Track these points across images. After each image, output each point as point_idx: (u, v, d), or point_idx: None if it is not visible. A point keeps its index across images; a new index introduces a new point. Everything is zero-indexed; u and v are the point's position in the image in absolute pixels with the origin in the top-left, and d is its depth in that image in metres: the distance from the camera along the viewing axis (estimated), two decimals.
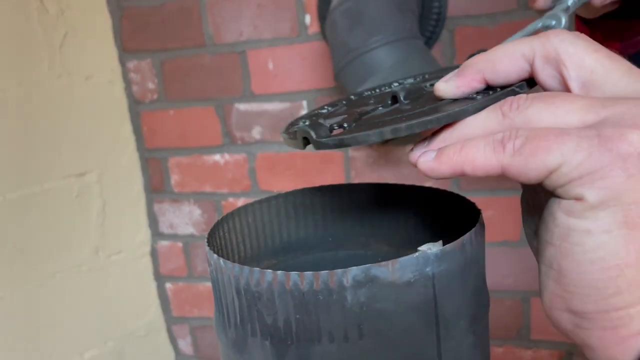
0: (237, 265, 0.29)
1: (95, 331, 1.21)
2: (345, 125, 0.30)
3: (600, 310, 0.24)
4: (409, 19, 0.88)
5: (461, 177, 0.26)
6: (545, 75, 0.26)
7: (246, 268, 0.29)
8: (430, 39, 0.98)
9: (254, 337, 0.30)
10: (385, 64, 0.84)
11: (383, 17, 0.85)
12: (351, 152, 1.10)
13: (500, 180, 1.03)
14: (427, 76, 0.36)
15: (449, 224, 0.39)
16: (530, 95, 0.26)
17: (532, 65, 0.27)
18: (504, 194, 1.04)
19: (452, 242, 0.29)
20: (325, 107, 0.37)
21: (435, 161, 0.27)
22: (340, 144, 0.28)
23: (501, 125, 0.26)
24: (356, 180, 1.05)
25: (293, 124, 0.34)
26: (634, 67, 0.26)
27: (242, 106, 1.13)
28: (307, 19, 1.05)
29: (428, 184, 0.99)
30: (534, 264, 1.01)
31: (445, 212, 0.39)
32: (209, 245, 0.33)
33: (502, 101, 0.26)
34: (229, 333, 0.32)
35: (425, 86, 0.33)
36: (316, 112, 0.36)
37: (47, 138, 1.10)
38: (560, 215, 0.24)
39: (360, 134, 0.28)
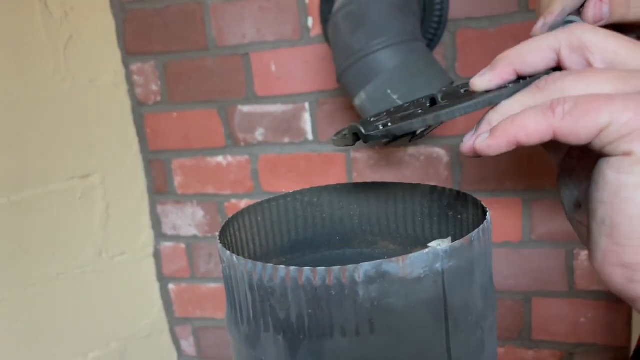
0: (250, 261, 0.30)
1: (98, 332, 1.22)
2: (389, 124, 0.32)
3: None
4: (411, 21, 0.89)
5: (516, 147, 0.27)
6: (571, 62, 0.28)
7: (259, 264, 0.29)
8: (432, 41, 0.99)
9: (267, 332, 0.30)
10: (388, 66, 0.84)
11: (385, 19, 0.86)
12: (353, 153, 1.10)
13: (500, 181, 1.04)
14: (460, 85, 0.38)
15: (456, 222, 0.39)
16: (563, 71, 0.28)
17: (558, 55, 0.29)
18: (505, 195, 1.04)
19: (460, 238, 0.30)
20: (369, 117, 0.40)
21: (490, 138, 0.28)
22: (387, 134, 0.31)
23: (538, 99, 0.28)
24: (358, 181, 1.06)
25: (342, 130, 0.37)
26: None
27: (245, 108, 1.14)
28: (310, 21, 1.06)
29: (432, 184, 1.00)
30: (535, 264, 1.03)
31: (451, 210, 0.39)
32: (221, 243, 0.34)
33: (537, 80, 0.28)
34: (242, 329, 0.32)
35: (460, 90, 0.35)
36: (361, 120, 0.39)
37: (50, 140, 1.11)
38: (610, 173, 0.25)
39: (404, 123, 0.30)
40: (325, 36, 1.04)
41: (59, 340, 1.15)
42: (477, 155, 0.29)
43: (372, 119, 0.38)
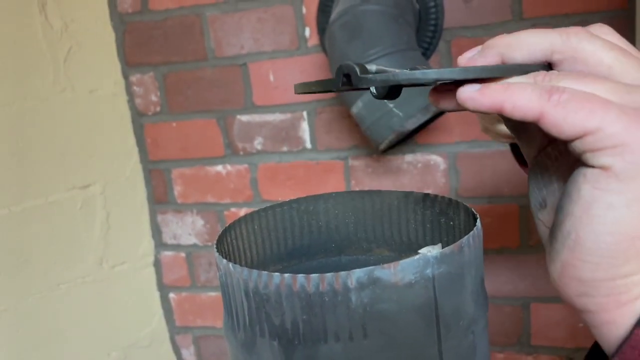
0: (245, 268, 0.31)
1: (99, 341, 1.22)
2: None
3: (607, 278, 0.26)
4: (406, 31, 0.90)
5: (499, 113, 0.27)
6: (563, 68, 0.28)
7: (254, 271, 0.30)
8: (427, 50, 1.00)
9: (263, 337, 0.31)
10: None
11: (380, 29, 0.87)
12: (351, 161, 1.11)
13: (497, 187, 1.05)
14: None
15: (448, 228, 0.40)
16: (563, 71, 0.27)
17: (549, 58, 0.28)
18: (502, 202, 1.05)
19: (451, 245, 0.31)
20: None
21: (478, 92, 0.27)
22: (390, 80, 0.27)
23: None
24: (356, 189, 1.07)
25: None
26: None
27: (243, 117, 1.15)
28: (307, 32, 1.07)
29: (429, 191, 1.01)
30: (532, 270, 1.03)
31: (444, 218, 0.40)
32: (217, 251, 0.34)
33: (536, 72, 0.27)
34: (238, 335, 0.33)
35: None
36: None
37: (51, 151, 1.12)
38: (585, 187, 0.25)
39: (415, 72, 0.27)
40: (322, 46, 1.05)
41: (59, 350, 1.15)
42: (457, 104, 0.28)
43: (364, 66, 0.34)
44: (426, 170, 1.08)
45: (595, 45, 0.27)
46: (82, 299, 1.18)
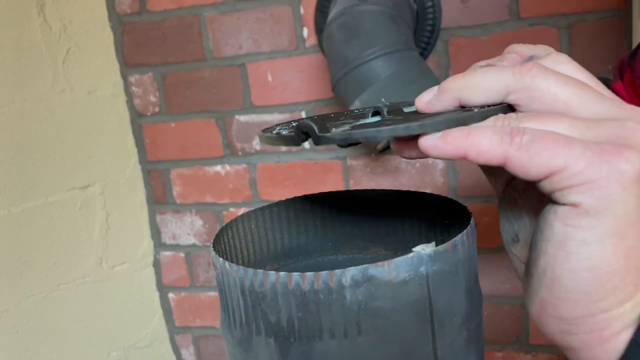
0: (241, 267, 0.31)
1: (99, 342, 1.22)
2: (345, 127, 0.29)
3: (587, 314, 0.25)
4: (404, 31, 0.90)
5: (462, 159, 0.26)
6: (520, 106, 0.27)
7: (250, 270, 0.31)
8: (425, 50, 1.00)
9: (259, 335, 0.31)
10: (382, 75, 0.86)
11: (378, 29, 0.87)
12: (350, 161, 1.12)
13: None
14: (401, 103, 0.37)
15: (444, 227, 0.41)
16: (520, 113, 0.27)
17: (506, 97, 0.27)
18: None
19: (445, 243, 0.31)
20: (313, 116, 0.36)
21: (440, 139, 0.26)
22: (348, 139, 0.27)
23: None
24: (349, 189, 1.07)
25: (270, 128, 0.33)
26: (605, 92, 0.27)
27: (242, 118, 1.15)
28: (305, 32, 1.08)
29: (427, 190, 1.01)
30: None
31: (439, 216, 0.41)
32: (214, 250, 0.35)
33: (496, 116, 0.27)
34: (235, 333, 0.33)
35: (402, 108, 0.33)
36: (310, 117, 0.34)
37: (50, 152, 1.12)
38: (557, 224, 0.25)
39: (370, 130, 0.27)
40: (320, 46, 1.06)
41: (60, 350, 1.16)
42: (418, 153, 0.28)
43: (323, 121, 0.33)
44: (424, 170, 1.08)
45: (549, 81, 0.26)
46: (82, 300, 1.18)
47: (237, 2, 1.10)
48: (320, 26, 1.04)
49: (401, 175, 1.09)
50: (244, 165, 1.18)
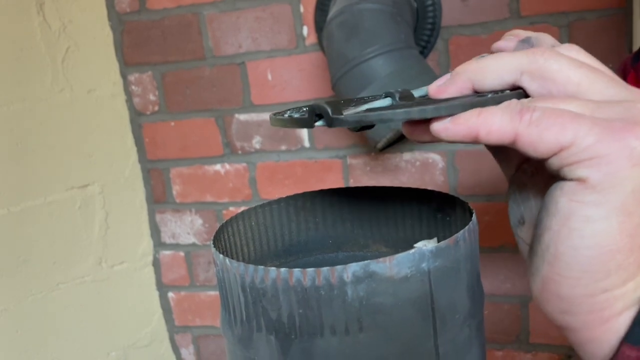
0: (242, 263, 0.31)
1: (98, 341, 1.22)
2: (359, 110, 0.29)
3: (588, 293, 0.25)
4: (404, 29, 0.90)
5: (473, 142, 0.27)
6: (533, 89, 0.28)
7: (251, 266, 0.30)
8: (425, 48, 1.00)
9: (260, 332, 0.31)
10: (382, 73, 0.86)
11: (378, 28, 0.87)
12: (349, 160, 1.12)
13: (495, 185, 1.05)
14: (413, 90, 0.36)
15: (445, 224, 0.40)
16: (531, 99, 0.27)
17: (518, 80, 0.28)
18: (500, 200, 1.05)
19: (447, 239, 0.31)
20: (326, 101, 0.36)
21: (451, 122, 0.27)
22: (361, 120, 0.27)
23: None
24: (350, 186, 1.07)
25: (281, 112, 0.33)
26: (615, 77, 0.27)
27: (242, 116, 1.15)
28: (305, 30, 1.07)
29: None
30: None
31: (440, 213, 0.40)
32: (214, 247, 0.34)
33: (509, 101, 0.27)
34: (235, 330, 0.33)
35: (414, 94, 0.33)
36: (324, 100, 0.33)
37: (50, 151, 1.12)
38: (563, 201, 0.25)
39: (384, 112, 0.27)
40: (320, 45, 1.06)
41: (59, 350, 1.15)
42: (430, 137, 0.28)
43: (336, 104, 0.33)
44: (424, 168, 1.08)
45: (562, 63, 0.27)
46: (82, 299, 1.18)
47: (236, 1, 1.09)
48: (320, 25, 1.04)
49: (401, 174, 1.09)
50: (244, 164, 1.18)
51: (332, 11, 0.93)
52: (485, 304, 0.36)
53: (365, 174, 1.12)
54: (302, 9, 1.06)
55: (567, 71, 0.27)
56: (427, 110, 0.27)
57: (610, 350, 0.25)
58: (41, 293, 1.12)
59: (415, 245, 0.36)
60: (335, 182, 1.14)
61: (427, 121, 0.28)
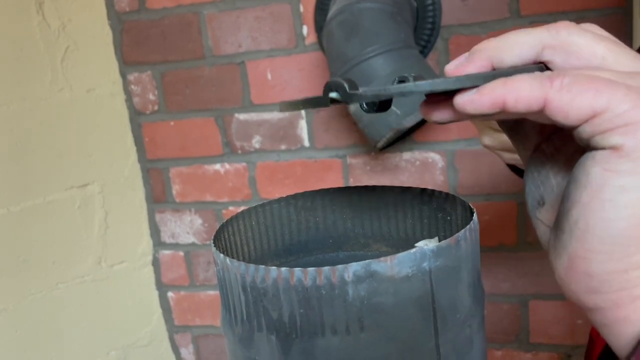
0: (242, 263, 0.31)
1: (98, 341, 1.22)
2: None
3: (619, 269, 0.24)
4: (404, 29, 0.90)
5: (498, 115, 0.25)
6: (556, 63, 0.27)
7: (252, 266, 0.30)
8: (425, 48, 1.00)
9: (260, 332, 0.31)
10: (382, 73, 0.85)
11: (378, 27, 0.87)
12: (349, 159, 1.11)
13: (495, 185, 1.05)
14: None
15: (446, 223, 0.40)
16: (557, 71, 0.26)
17: (539, 55, 0.27)
18: (500, 199, 1.05)
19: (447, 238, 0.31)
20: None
21: (476, 93, 0.25)
22: (380, 94, 0.26)
23: None
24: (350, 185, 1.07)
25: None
26: (638, 54, 0.27)
27: (241, 116, 1.15)
28: (305, 30, 1.07)
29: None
30: (530, 268, 1.03)
31: (440, 212, 0.40)
32: (215, 246, 0.34)
33: (541, 75, 0.26)
34: (236, 329, 0.33)
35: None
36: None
37: (49, 150, 1.12)
38: (595, 171, 0.24)
39: (406, 85, 0.25)
40: (320, 44, 1.06)
41: (59, 350, 1.15)
42: (453, 116, 0.27)
43: (352, 81, 0.31)
44: (424, 168, 1.08)
45: (586, 37, 0.26)
46: (81, 299, 1.18)
47: (236, 0, 1.09)
48: (319, 24, 1.04)
49: (401, 174, 1.09)
50: (244, 164, 1.18)
51: (332, 10, 0.93)
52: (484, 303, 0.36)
53: (365, 174, 1.12)
54: (302, 9, 1.06)
55: (591, 45, 0.26)
56: (449, 81, 0.25)
57: (639, 329, 0.25)
58: (41, 292, 1.12)
59: (416, 244, 0.36)
60: (335, 181, 1.14)
61: (448, 98, 0.27)
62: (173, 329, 1.34)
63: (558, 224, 0.27)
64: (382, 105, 0.30)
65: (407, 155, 1.08)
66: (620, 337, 0.25)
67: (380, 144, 0.92)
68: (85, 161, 1.17)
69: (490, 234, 1.07)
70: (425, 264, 0.30)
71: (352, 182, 1.13)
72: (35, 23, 1.08)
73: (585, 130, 0.24)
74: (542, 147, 0.29)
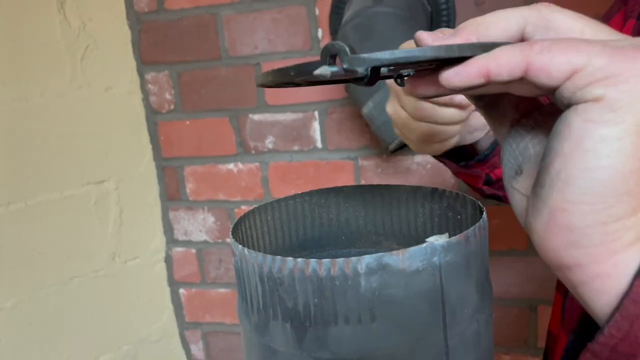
0: (260, 253, 0.32)
1: (109, 335, 1.24)
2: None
3: (599, 222, 0.24)
4: None
5: (486, 85, 0.26)
6: (536, 38, 0.28)
7: (269, 256, 0.32)
8: None
9: (276, 320, 0.33)
10: None
11: (392, 31, 0.88)
12: (361, 161, 1.13)
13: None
14: None
15: (455, 221, 0.41)
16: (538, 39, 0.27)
17: (522, 32, 0.28)
18: None
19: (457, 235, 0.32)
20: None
21: (460, 66, 0.26)
22: (384, 58, 0.25)
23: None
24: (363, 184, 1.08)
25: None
26: (615, 31, 0.28)
27: (256, 116, 1.17)
28: (320, 33, 1.09)
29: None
30: (540, 272, 1.03)
31: (450, 211, 0.41)
32: (233, 238, 0.36)
33: (521, 43, 0.27)
34: (252, 318, 0.34)
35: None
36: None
37: (67, 146, 1.14)
38: (577, 121, 0.24)
39: (412, 49, 0.25)
40: None
41: (71, 343, 1.17)
42: (439, 90, 0.28)
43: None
44: (435, 171, 1.09)
45: (565, 13, 0.28)
46: (94, 293, 1.20)
47: (253, 2, 1.11)
48: (334, 27, 1.05)
49: (412, 176, 1.10)
50: (257, 164, 1.20)
51: (347, 14, 0.94)
52: (493, 307, 0.37)
53: (376, 176, 1.13)
54: (317, 12, 1.08)
55: (570, 21, 0.27)
56: (453, 49, 0.26)
57: (622, 285, 0.25)
58: (55, 286, 1.14)
59: (427, 239, 0.37)
60: (346, 182, 1.15)
61: (434, 73, 0.28)
62: (184, 326, 1.36)
63: (538, 181, 0.27)
64: (372, 79, 0.28)
65: (418, 158, 1.09)
66: (599, 294, 0.26)
67: (392, 147, 0.94)
68: (101, 158, 1.19)
69: (500, 238, 1.08)
70: (435, 259, 0.31)
71: (363, 183, 1.14)
72: (56, 22, 1.10)
73: (567, 88, 0.24)
74: (523, 121, 0.30)
